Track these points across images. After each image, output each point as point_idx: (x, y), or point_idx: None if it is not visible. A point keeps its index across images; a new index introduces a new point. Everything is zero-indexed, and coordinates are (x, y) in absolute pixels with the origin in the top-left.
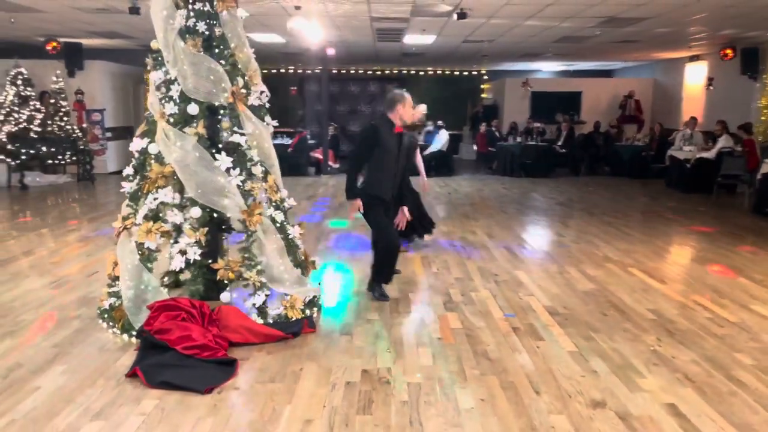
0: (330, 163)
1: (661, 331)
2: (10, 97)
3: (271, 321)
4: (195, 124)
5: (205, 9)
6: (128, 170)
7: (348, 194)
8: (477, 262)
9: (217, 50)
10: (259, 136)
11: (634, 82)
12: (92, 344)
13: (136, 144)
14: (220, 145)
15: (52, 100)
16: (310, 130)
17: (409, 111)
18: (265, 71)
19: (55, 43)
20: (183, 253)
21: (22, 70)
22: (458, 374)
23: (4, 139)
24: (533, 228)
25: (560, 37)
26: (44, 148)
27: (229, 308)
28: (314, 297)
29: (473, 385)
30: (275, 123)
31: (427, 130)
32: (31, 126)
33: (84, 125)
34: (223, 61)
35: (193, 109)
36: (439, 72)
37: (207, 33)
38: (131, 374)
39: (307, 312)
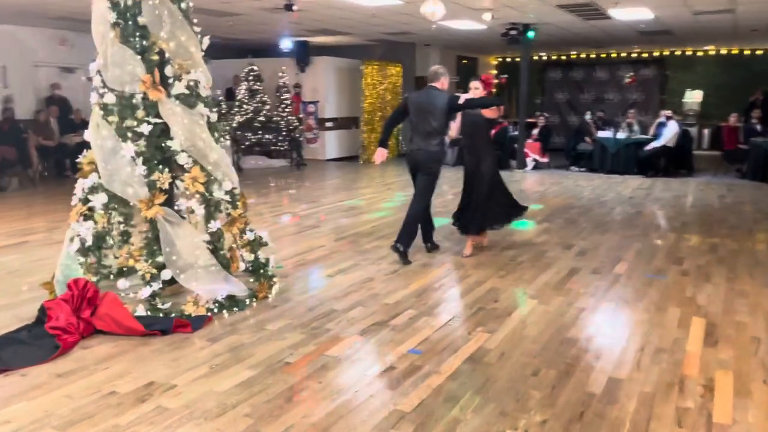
0: (536, 157)
1: (576, 410)
2: (243, 92)
3: (161, 315)
4: (113, 113)
5: (129, 2)
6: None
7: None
8: (526, 282)
9: (138, 40)
10: (184, 125)
11: None
12: (22, 309)
13: (85, 134)
14: (129, 135)
15: (277, 93)
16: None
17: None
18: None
19: (288, 42)
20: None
21: (254, 67)
22: (206, 399)
23: (235, 126)
24: (657, 250)
25: None
26: (267, 136)
27: (108, 295)
28: (231, 296)
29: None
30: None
31: (659, 122)
32: (257, 116)
33: (300, 116)
34: (145, 52)
35: (110, 98)
36: (722, 52)
37: (130, 23)
38: None
39: (217, 311)
